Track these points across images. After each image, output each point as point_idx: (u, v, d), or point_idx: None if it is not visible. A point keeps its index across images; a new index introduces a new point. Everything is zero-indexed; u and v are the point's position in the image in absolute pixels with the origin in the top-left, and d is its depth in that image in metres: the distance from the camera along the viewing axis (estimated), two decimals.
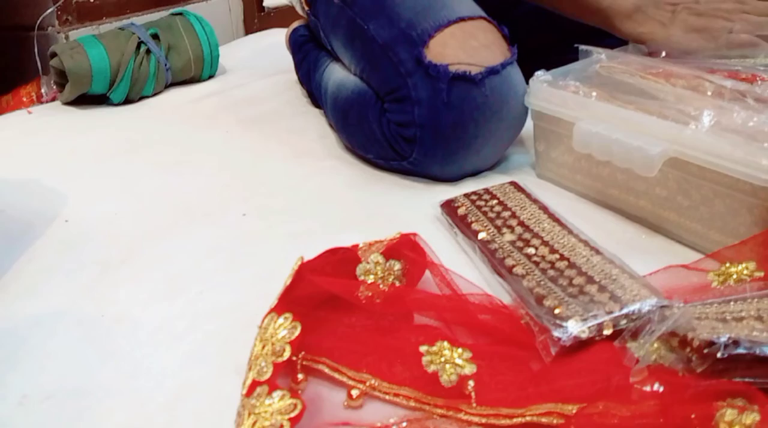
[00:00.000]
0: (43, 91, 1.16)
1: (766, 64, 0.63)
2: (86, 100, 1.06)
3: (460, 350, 0.42)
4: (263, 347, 0.41)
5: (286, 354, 0.41)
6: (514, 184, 0.66)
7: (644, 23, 0.70)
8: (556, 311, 0.45)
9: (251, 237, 0.65)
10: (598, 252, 0.53)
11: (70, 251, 0.64)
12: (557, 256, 0.53)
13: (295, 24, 1.09)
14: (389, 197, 0.71)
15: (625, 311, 0.44)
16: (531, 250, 0.54)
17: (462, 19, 0.71)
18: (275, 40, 1.31)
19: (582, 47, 0.71)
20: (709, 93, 0.59)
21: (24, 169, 0.83)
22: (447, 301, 0.48)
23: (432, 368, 0.41)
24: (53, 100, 1.14)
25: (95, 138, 0.94)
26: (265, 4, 1.68)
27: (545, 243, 0.55)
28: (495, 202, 0.63)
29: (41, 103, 1.16)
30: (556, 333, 0.43)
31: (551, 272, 0.51)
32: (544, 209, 0.60)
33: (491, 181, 0.71)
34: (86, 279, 0.59)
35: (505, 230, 0.58)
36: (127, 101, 1.06)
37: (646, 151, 0.55)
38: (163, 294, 0.57)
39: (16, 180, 0.80)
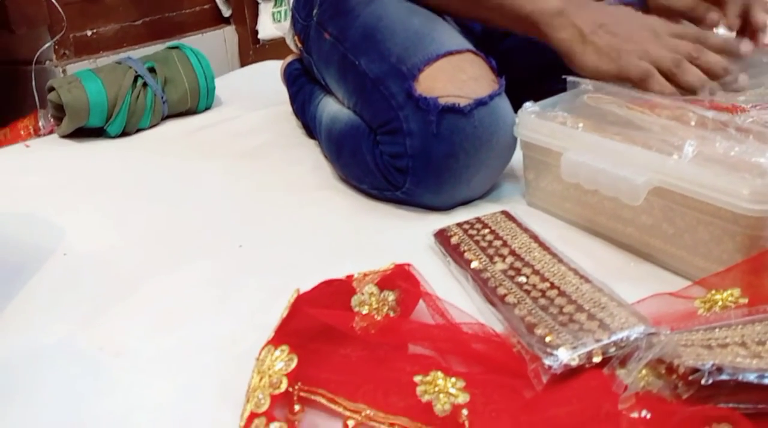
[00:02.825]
0: (40, 124, 1.18)
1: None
2: (83, 133, 1.07)
3: (453, 379, 0.43)
4: (260, 379, 0.42)
5: (283, 386, 0.41)
6: (505, 213, 0.67)
7: (566, 28, 0.72)
8: (547, 339, 0.46)
9: (248, 268, 0.66)
10: (587, 280, 0.54)
11: (68, 285, 0.65)
12: (548, 285, 0.54)
13: (290, 58, 1.11)
14: (383, 227, 0.72)
15: (613, 339, 0.45)
16: (522, 279, 0.55)
17: (450, 53, 0.73)
18: (270, 71, 1.33)
19: (570, 78, 0.73)
20: (693, 123, 0.61)
21: (22, 202, 0.85)
22: (440, 331, 0.49)
23: (426, 397, 0.42)
24: (51, 133, 1.16)
25: (92, 171, 0.95)
26: (260, 36, 1.71)
27: (536, 272, 0.56)
28: (487, 231, 0.64)
29: (39, 136, 1.18)
30: (547, 362, 0.44)
31: (542, 300, 0.52)
32: (535, 238, 0.62)
33: (483, 209, 0.72)
34: (84, 313, 0.60)
35: (496, 259, 0.59)
36: (124, 134, 1.08)
37: (632, 181, 0.57)
38: (160, 327, 0.57)
39: (15, 213, 0.81)
